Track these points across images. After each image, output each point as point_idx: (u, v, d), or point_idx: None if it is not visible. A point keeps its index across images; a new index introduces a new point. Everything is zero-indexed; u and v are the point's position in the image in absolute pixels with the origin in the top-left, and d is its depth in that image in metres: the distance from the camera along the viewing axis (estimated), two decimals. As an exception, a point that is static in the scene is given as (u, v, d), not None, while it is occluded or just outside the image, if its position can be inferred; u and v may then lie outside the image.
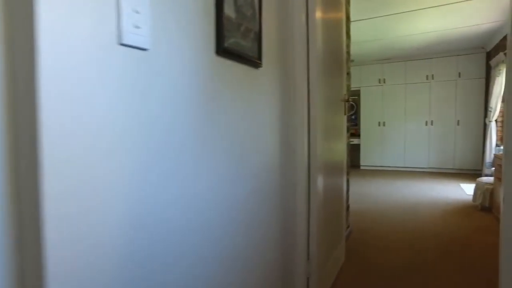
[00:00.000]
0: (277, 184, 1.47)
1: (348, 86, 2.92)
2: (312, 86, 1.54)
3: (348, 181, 3.01)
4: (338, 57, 2.06)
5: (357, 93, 7.50)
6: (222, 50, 1.06)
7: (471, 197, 4.19)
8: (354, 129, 7.67)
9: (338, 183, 2.10)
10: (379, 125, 7.13)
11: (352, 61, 6.47)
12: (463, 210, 3.65)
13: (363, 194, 4.65)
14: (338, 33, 2.05)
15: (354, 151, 7.72)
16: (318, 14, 1.58)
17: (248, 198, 1.24)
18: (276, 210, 1.48)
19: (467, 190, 4.71)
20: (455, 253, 2.48)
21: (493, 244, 2.65)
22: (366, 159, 7.30)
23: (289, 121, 1.53)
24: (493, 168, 4.13)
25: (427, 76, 6.59)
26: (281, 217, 1.53)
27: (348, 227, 2.98)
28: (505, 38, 5.01)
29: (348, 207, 2.99)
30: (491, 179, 3.62)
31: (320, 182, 1.64)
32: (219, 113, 1.08)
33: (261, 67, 1.33)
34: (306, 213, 1.57)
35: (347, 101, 2.21)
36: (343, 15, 2.17)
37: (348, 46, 2.83)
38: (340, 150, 2.14)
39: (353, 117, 7.84)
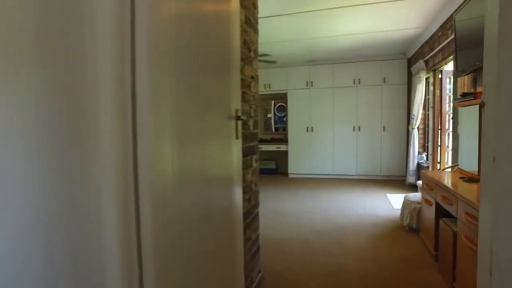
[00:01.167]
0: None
1: (255, 94, 2.31)
2: (141, 85, 0.83)
3: (257, 214, 2.39)
4: (219, 57, 1.39)
5: (284, 96, 7.08)
6: None
7: (398, 213, 3.91)
8: (282, 134, 7.25)
9: (221, 210, 1.43)
10: (307, 130, 6.78)
11: (275, 62, 5.98)
12: (391, 233, 3.30)
13: (286, 213, 4.13)
14: (220, 27, 1.39)
15: (282, 158, 7.30)
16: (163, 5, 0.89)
17: None
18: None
19: (394, 202, 4.48)
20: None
21: (424, 284, 2.24)
22: (294, 167, 6.92)
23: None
24: (419, 182, 3.89)
25: (354, 80, 6.40)
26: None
27: (259, 272, 2.37)
28: (424, 45, 4.92)
29: (258, 248, 2.38)
30: (418, 196, 3.32)
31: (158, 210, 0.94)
32: None
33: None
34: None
35: (238, 118, 1.57)
36: (232, 6, 1.52)
37: (253, 43, 2.20)
38: (225, 162, 1.47)
39: (284, 119, 7.43)
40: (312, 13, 3.86)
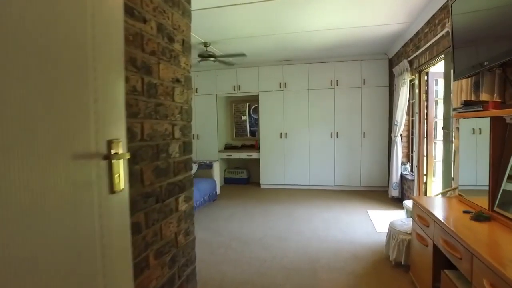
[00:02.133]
0: None
1: (184, 105, 1.65)
2: None
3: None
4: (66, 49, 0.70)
5: (255, 99, 6.43)
6: None
7: (382, 238, 3.33)
8: (254, 140, 6.60)
9: None
10: (280, 136, 6.16)
11: (232, 64, 5.30)
12: (374, 270, 2.70)
13: (251, 240, 3.47)
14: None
15: (254, 166, 6.64)
16: None
17: None
18: None
19: (376, 223, 3.90)
20: None
21: None
22: (267, 177, 6.28)
23: None
24: (407, 203, 3.32)
25: (331, 82, 5.82)
26: None
27: None
28: (408, 44, 4.39)
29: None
30: (406, 224, 2.74)
31: None
32: None
33: None
34: None
35: (109, 157, 0.89)
36: None
37: (179, 30, 1.53)
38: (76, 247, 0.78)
39: (255, 121, 6.78)
40: (276, 3, 3.22)
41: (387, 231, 2.90)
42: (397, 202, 4.81)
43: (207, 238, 3.57)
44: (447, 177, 3.04)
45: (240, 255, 3.09)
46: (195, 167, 5.27)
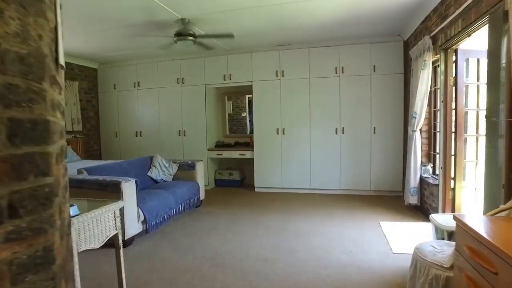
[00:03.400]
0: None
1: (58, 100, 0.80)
2: None
3: None
4: None
5: (248, 90, 5.63)
6: None
7: (400, 263, 2.52)
8: (249, 137, 5.79)
9: None
10: (277, 133, 5.35)
11: (210, 48, 4.44)
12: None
13: (229, 263, 2.66)
14: None
15: (248, 168, 5.85)
16: None
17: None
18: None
19: (392, 240, 3.07)
20: None
21: None
22: (262, 179, 5.48)
23: None
24: (437, 219, 2.48)
25: (336, 69, 5.00)
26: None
27: None
28: (430, 16, 3.55)
29: None
30: (439, 251, 1.91)
31: None
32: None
33: None
34: None
35: None
36: None
37: None
38: None
39: (248, 118, 5.99)
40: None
41: (410, 258, 2.08)
42: (416, 211, 3.97)
43: (174, 258, 2.78)
44: (493, 185, 2.20)
45: (209, 284, 2.29)
46: (174, 167, 4.49)
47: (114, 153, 6.28)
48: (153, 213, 3.30)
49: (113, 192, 2.94)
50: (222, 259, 2.74)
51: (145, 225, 3.22)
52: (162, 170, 4.39)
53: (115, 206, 1.96)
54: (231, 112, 6.22)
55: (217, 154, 5.74)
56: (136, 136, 6.13)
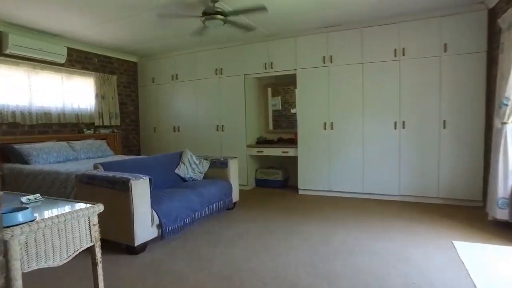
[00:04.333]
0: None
1: None
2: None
3: None
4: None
5: (291, 79, 5.01)
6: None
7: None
8: (293, 134, 5.17)
9: None
10: (324, 127, 4.65)
11: (253, 29, 3.82)
12: None
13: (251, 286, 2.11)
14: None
15: (293, 166, 5.23)
16: None
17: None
18: None
19: (473, 271, 2.25)
20: None
21: None
22: (307, 179, 4.82)
23: None
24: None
25: (395, 51, 4.17)
26: None
27: None
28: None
29: None
30: None
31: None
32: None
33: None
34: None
35: None
36: None
37: None
38: None
39: (292, 111, 5.38)
40: None
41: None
42: (507, 230, 3.02)
43: (185, 272, 2.29)
44: None
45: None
46: (205, 164, 4.05)
47: (152, 149, 6.09)
48: (171, 216, 2.87)
49: (121, 190, 2.56)
50: (241, 280, 2.19)
51: (160, 230, 2.80)
52: (191, 168, 3.98)
53: (88, 212, 1.51)
54: (279, 107, 5.60)
55: (257, 151, 5.20)
56: (174, 131, 5.86)
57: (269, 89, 5.63)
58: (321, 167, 4.69)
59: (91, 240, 1.56)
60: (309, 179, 4.79)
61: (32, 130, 4.47)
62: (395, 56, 4.16)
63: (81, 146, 4.47)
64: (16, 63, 4.28)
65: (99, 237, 1.61)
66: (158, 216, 2.76)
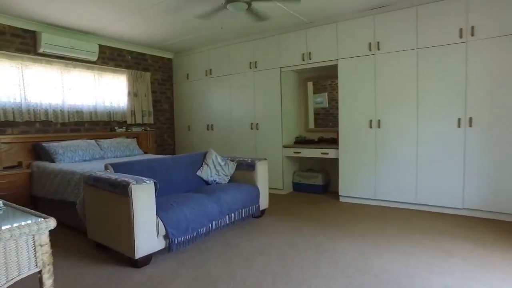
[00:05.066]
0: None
1: None
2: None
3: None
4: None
5: (333, 69, 4.42)
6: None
7: None
8: (335, 132, 4.58)
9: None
10: (370, 125, 4.01)
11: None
12: None
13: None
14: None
15: (334, 168, 4.64)
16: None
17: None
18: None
19: None
20: None
21: None
22: (349, 185, 4.21)
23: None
24: None
25: (460, 31, 3.40)
26: None
27: None
28: None
29: None
30: None
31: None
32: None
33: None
34: None
35: None
36: None
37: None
38: None
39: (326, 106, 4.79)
40: None
41: None
42: None
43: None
44: None
45: None
46: (231, 166, 3.67)
47: (186, 148, 5.89)
48: (181, 226, 2.52)
49: (121, 195, 2.27)
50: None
51: (167, 241, 2.47)
52: (216, 170, 3.62)
53: (29, 230, 1.18)
54: (326, 105, 5.04)
55: (294, 152, 4.70)
56: (208, 129, 5.59)
57: (310, 84, 5.09)
58: (366, 171, 4.05)
59: (35, 265, 1.23)
60: (352, 185, 4.18)
61: (64, 129, 4.48)
62: (461, 37, 3.39)
63: (108, 144, 4.36)
64: (49, 62, 4.29)
65: (51, 261, 1.28)
66: (164, 226, 2.42)
